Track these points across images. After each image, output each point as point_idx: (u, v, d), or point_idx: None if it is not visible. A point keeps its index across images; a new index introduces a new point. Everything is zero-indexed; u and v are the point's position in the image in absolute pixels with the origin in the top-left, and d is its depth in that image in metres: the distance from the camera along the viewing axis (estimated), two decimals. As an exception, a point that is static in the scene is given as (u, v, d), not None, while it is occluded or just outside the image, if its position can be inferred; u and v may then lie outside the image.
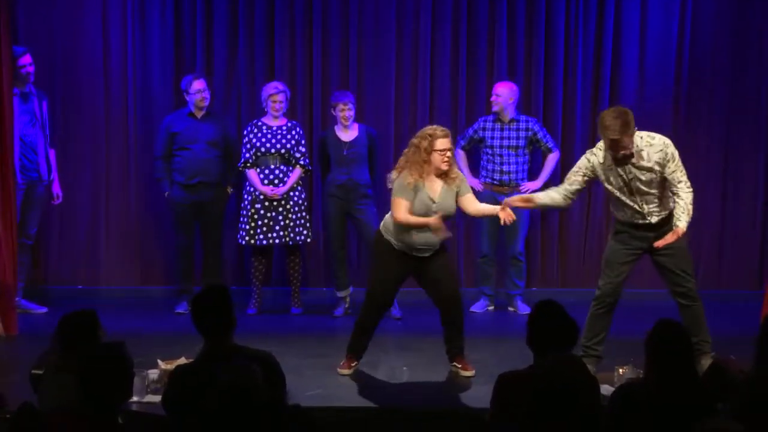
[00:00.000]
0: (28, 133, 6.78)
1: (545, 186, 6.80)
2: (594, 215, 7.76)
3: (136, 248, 7.72)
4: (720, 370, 4.06)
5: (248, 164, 6.98)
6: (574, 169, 5.34)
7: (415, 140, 5.32)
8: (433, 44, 7.63)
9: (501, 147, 7.11)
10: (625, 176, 5.17)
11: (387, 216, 5.43)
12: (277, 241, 6.98)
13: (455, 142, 7.09)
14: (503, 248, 7.39)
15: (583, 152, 5.47)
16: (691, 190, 5.17)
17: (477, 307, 7.28)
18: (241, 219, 7.04)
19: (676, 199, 5.16)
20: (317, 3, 7.55)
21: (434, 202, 5.27)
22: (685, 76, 7.69)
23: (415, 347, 6.08)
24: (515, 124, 7.13)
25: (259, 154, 6.95)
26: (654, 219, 5.25)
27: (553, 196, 5.38)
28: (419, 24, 7.61)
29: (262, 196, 6.93)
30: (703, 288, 7.51)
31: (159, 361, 5.07)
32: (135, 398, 4.64)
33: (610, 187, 5.25)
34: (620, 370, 5.09)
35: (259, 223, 6.94)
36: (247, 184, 7.03)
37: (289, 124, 7.07)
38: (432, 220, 5.19)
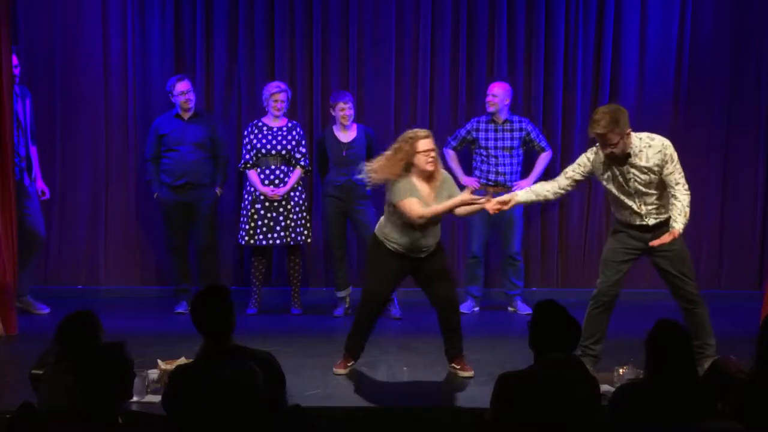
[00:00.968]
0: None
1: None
2: (594, 215, 7.77)
3: (135, 248, 7.73)
4: (720, 370, 4.06)
5: (249, 165, 6.98)
6: (573, 164, 5.34)
7: (396, 144, 5.28)
8: (433, 44, 7.63)
9: (495, 148, 7.11)
10: (624, 176, 5.17)
11: (381, 219, 5.39)
12: (278, 241, 6.98)
13: (445, 143, 7.12)
14: (500, 249, 7.39)
15: (583, 152, 5.46)
16: (688, 192, 5.15)
17: (463, 308, 7.17)
18: (242, 219, 7.04)
19: (673, 201, 5.14)
20: (317, 3, 7.55)
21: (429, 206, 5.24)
22: (685, 77, 7.69)
23: (414, 347, 6.08)
24: (509, 124, 7.13)
25: (259, 155, 6.95)
26: (651, 221, 5.24)
27: (539, 191, 5.35)
28: (419, 24, 7.61)
29: (262, 197, 6.93)
30: (704, 288, 7.50)
31: (159, 361, 5.07)
32: (135, 398, 4.63)
33: (609, 186, 5.24)
34: (620, 370, 5.09)
35: (259, 223, 6.94)
36: (248, 184, 7.03)
37: (290, 125, 7.07)
38: (458, 199, 5.12)
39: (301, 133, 7.10)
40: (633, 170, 5.15)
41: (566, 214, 7.81)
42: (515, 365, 4.05)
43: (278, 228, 6.95)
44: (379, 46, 7.62)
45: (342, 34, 7.60)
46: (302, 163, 7.02)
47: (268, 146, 6.95)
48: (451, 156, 7.18)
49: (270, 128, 7.00)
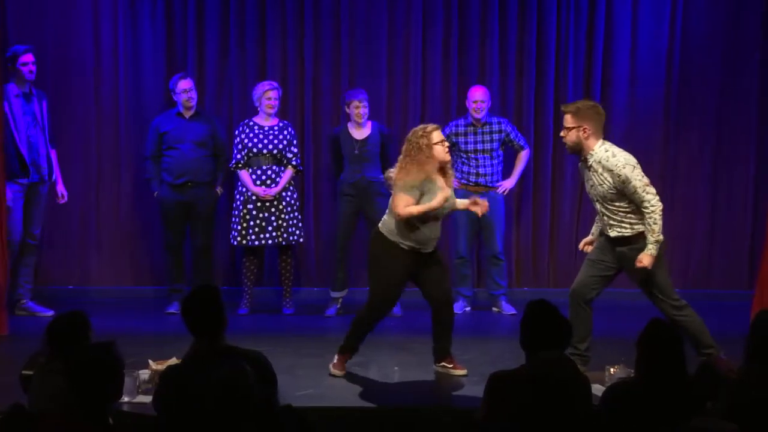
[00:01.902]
0: (31, 133, 6.75)
1: (519, 182, 7.30)
2: (585, 215, 7.76)
3: (127, 248, 7.71)
4: (710, 370, 4.08)
5: (240, 165, 6.97)
6: None
7: (412, 140, 5.29)
8: (424, 44, 7.63)
9: (475, 151, 7.12)
10: (587, 181, 5.20)
11: (386, 217, 5.37)
12: (270, 241, 6.97)
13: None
14: (484, 249, 7.40)
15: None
16: (653, 207, 5.00)
17: (455, 308, 7.15)
18: (233, 219, 7.03)
19: (646, 222, 5.04)
20: (308, 3, 7.55)
21: (448, 198, 5.30)
22: (675, 79, 7.71)
23: (407, 347, 6.08)
24: (488, 126, 7.15)
25: (251, 154, 6.94)
26: (612, 233, 5.18)
27: (596, 230, 5.47)
28: (410, 23, 7.62)
29: (254, 197, 6.92)
30: (694, 288, 7.59)
31: (150, 362, 5.05)
32: (126, 398, 4.62)
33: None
34: (611, 370, 5.09)
35: (251, 223, 6.93)
36: (239, 184, 7.02)
37: (281, 124, 7.06)
38: (434, 203, 5.17)
39: (293, 132, 7.09)
40: (593, 177, 5.15)
41: (557, 214, 7.82)
42: (506, 364, 4.05)
43: (270, 228, 6.94)
44: (370, 46, 7.62)
45: (334, 34, 7.60)
46: (294, 162, 7.01)
47: (260, 146, 6.94)
48: None
49: (261, 127, 6.99)
